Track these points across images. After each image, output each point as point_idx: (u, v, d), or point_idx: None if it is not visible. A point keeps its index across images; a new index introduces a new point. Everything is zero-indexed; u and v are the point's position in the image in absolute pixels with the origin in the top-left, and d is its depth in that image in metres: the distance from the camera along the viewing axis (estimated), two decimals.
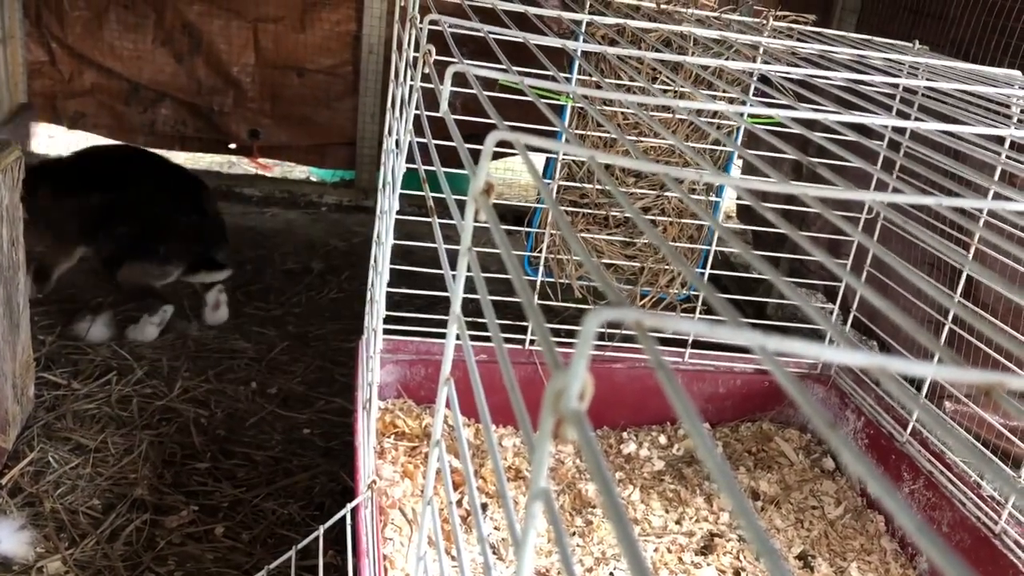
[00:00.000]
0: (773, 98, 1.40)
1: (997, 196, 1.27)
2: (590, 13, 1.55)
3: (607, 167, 1.83)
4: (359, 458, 1.53)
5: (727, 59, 1.48)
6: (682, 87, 1.44)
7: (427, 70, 1.16)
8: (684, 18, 1.67)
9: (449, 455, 1.81)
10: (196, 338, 2.35)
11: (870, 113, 1.24)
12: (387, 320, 1.56)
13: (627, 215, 1.78)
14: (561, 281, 1.90)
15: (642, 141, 1.76)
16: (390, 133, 1.68)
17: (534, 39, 1.18)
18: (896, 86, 1.46)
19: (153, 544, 1.65)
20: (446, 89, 0.86)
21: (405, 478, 1.71)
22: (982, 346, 1.82)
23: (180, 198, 2.40)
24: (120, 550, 1.62)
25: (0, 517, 1.62)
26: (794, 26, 1.75)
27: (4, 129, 2.78)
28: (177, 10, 3.32)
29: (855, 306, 2.05)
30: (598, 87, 1.82)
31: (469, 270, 0.67)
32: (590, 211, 1.84)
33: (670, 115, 1.73)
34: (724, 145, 1.83)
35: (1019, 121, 1.43)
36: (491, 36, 1.12)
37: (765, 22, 1.74)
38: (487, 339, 1.77)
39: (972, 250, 1.70)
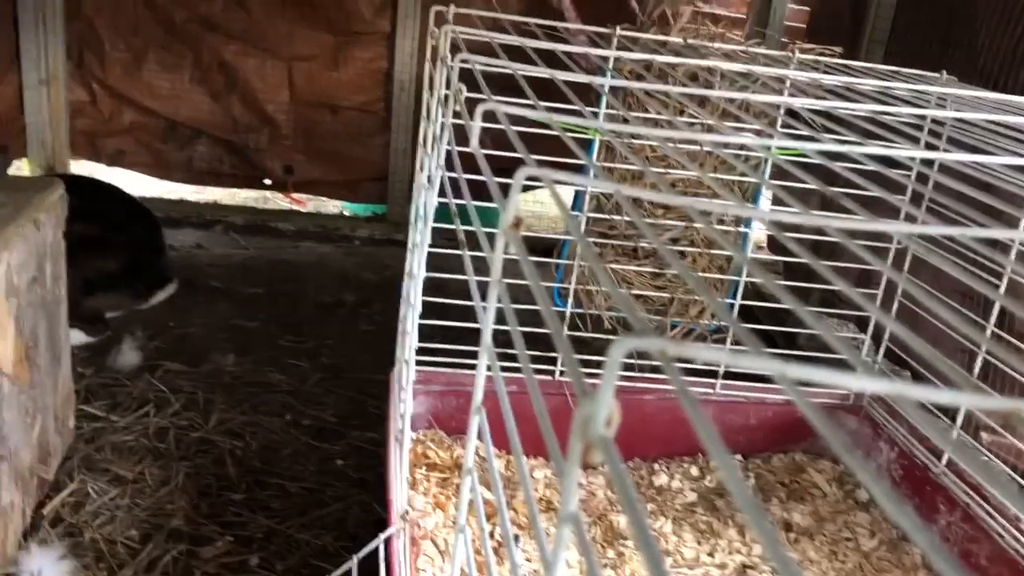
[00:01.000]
0: (800, 131, 1.42)
1: None
2: (617, 49, 1.57)
3: (636, 200, 1.85)
4: (391, 489, 1.54)
5: (753, 92, 1.50)
6: (708, 121, 1.46)
7: (458, 107, 1.19)
8: (710, 52, 1.69)
9: (480, 486, 1.82)
10: (231, 371, 2.39)
11: (897, 145, 1.25)
12: (419, 352, 1.59)
13: (656, 246, 1.79)
14: (591, 312, 1.92)
15: (670, 173, 1.78)
16: (421, 168, 1.72)
17: (562, 75, 1.21)
18: (923, 117, 1.47)
19: (190, 574, 1.67)
20: (476, 126, 0.89)
21: (437, 509, 1.72)
22: (1018, 376, 1.80)
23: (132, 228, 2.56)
24: None
25: (42, 547, 1.65)
26: (820, 58, 1.77)
27: None
28: (213, 50, 3.41)
29: (887, 336, 2.04)
30: (625, 122, 1.85)
31: (499, 302, 0.69)
32: (619, 242, 1.86)
33: (697, 148, 1.75)
34: (751, 178, 1.85)
35: None
36: (520, 74, 1.15)
37: (791, 55, 1.76)
38: (518, 370, 1.79)
39: (1005, 280, 1.69)
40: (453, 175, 1.35)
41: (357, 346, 2.63)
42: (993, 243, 1.45)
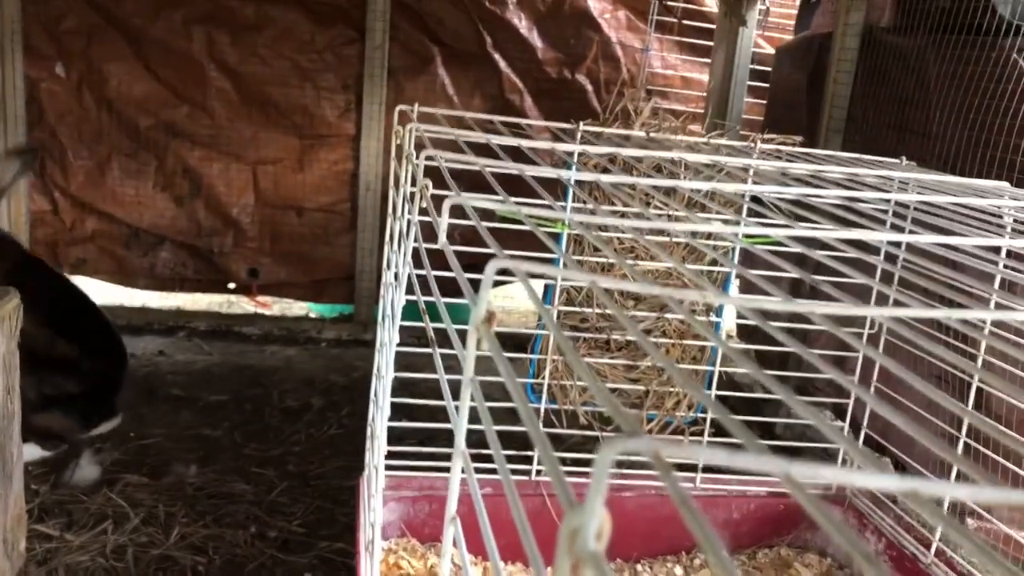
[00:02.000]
0: (767, 218, 1.42)
1: (1000, 306, 1.27)
2: (581, 143, 1.58)
3: (607, 291, 1.83)
4: None
5: (719, 182, 1.51)
6: (676, 211, 1.45)
7: (424, 204, 1.17)
8: (674, 144, 1.70)
9: None
10: (193, 482, 2.30)
11: (866, 228, 1.24)
12: (389, 456, 1.53)
13: (629, 338, 1.76)
14: (565, 408, 1.87)
15: (639, 264, 1.77)
16: (388, 267, 1.69)
17: (529, 170, 1.20)
18: (888, 201, 1.48)
19: None
20: (444, 221, 0.87)
21: None
22: (999, 458, 1.77)
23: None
24: None
25: None
26: (782, 148, 1.79)
27: None
28: (178, 156, 3.41)
29: (866, 423, 2.01)
30: (593, 213, 1.84)
31: (472, 401, 0.65)
32: (591, 335, 1.83)
33: (667, 238, 1.75)
34: (722, 265, 1.84)
35: (1013, 230, 1.43)
36: (487, 169, 1.14)
37: (753, 145, 1.78)
38: (493, 471, 1.73)
39: (979, 360, 1.68)
40: (421, 272, 1.32)
41: (325, 451, 2.55)
42: (967, 321, 1.44)
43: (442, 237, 0.88)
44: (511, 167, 1.18)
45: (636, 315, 1.80)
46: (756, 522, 2.01)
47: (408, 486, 1.88)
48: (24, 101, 3.27)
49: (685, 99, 3.73)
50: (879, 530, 1.90)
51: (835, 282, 1.07)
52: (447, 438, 1.83)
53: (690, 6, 3.66)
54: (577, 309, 1.83)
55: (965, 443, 1.76)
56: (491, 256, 0.73)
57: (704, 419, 1.88)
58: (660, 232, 1.62)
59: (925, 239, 1.09)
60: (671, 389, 1.88)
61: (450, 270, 0.88)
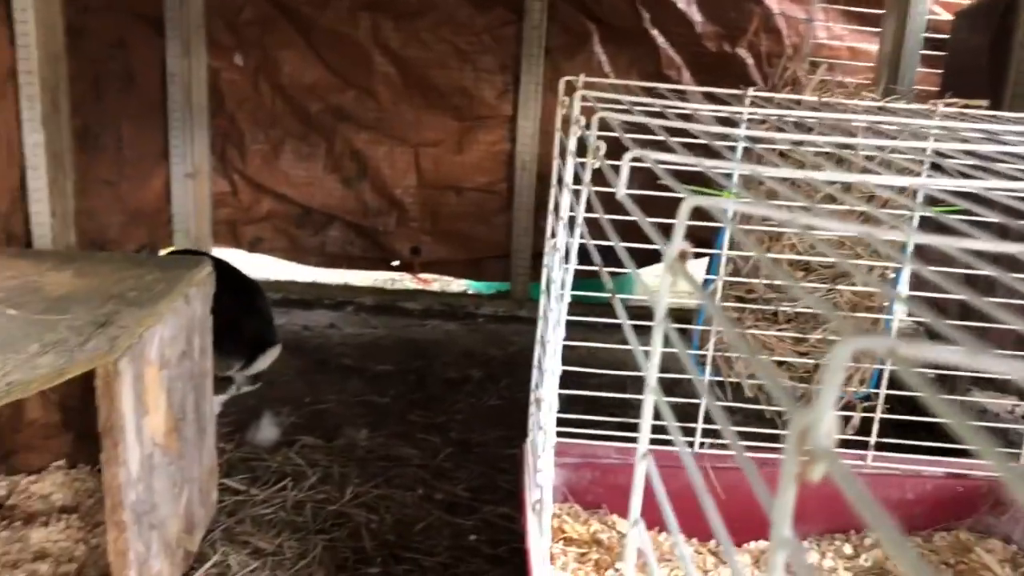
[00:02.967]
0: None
1: None
2: (751, 107, 1.55)
3: (776, 261, 1.79)
4: (531, 562, 1.50)
5: (902, 141, 1.45)
6: (851, 175, 1.41)
7: (596, 165, 1.19)
8: (848, 108, 1.64)
9: (620, 563, 1.75)
10: (364, 445, 2.41)
11: None
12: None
13: (798, 310, 1.72)
14: (730, 380, 1.85)
15: (813, 232, 1.71)
16: (553, 235, 1.72)
17: (700, 127, 1.19)
18: None
19: None
20: (624, 172, 0.88)
21: None
22: None
23: (239, 299, 2.67)
24: None
25: None
26: (967, 111, 1.70)
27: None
28: (346, 139, 3.56)
29: None
30: (760, 183, 1.81)
31: (667, 343, 0.66)
32: (758, 307, 1.80)
33: (841, 206, 1.69)
34: (901, 230, 1.76)
35: None
36: (659, 125, 1.14)
37: (934, 108, 1.69)
38: (659, 442, 1.73)
39: None
40: (588, 242, 1.34)
41: (485, 421, 2.61)
42: None
43: (622, 189, 0.89)
44: (684, 125, 1.18)
45: (806, 286, 1.75)
46: (932, 504, 1.93)
47: (571, 453, 1.91)
48: (207, 90, 3.50)
49: (852, 71, 3.57)
50: None
51: None
52: (607, 407, 1.85)
53: None
54: (743, 280, 1.80)
55: None
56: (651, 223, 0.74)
57: (876, 394, 1.82)
58: (833, 200, 1.57)
59: None
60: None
61: (613, 239, 0.89)
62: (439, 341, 3.27)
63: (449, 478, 2.28)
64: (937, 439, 1.96)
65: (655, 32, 3.49)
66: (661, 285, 0.65)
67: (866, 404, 1.82)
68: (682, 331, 2.19)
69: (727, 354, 1.81)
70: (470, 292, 3.89)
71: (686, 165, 0.97)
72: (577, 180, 1.50)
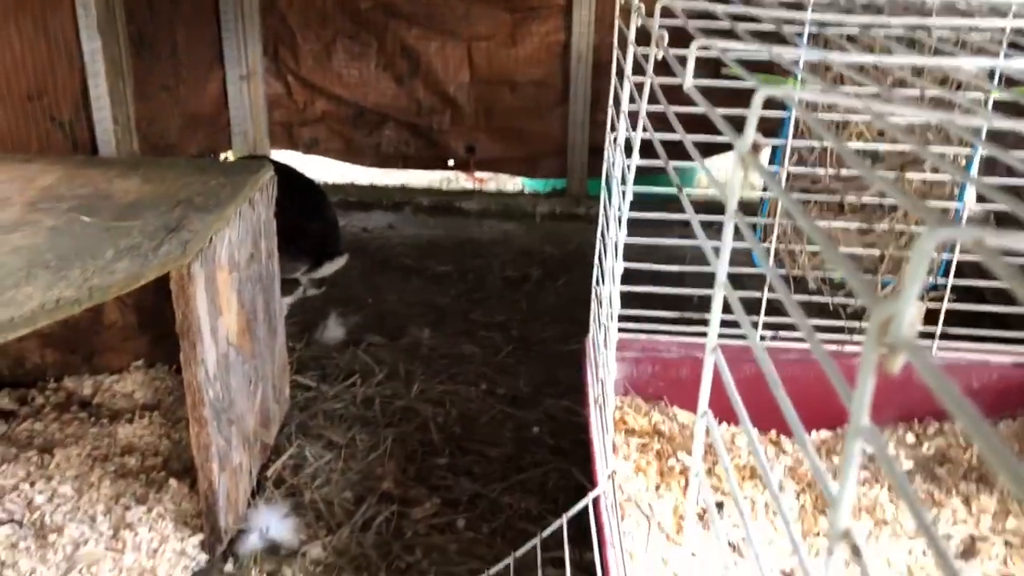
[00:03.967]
0: None
1: None
2: None
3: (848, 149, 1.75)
4: (595, 450, 1.54)
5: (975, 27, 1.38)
6: (922, 58, 1.35)
7: (660, 57, 1.16)
8: None
9: (681, 453, 1.79)
10: (427, 343, 2.46)
11: None
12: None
13: (864, 201, 1.69)
14: (794, 274, 1.84)
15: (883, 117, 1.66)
16: (613, 129, 1.70)
17: (767, 13, 1.15)
18: None
19: (401, 534, 1.73)
20: (691, 61, 0.86)
21: (639, 473, 1.70)
22: None
23: (305, 205, 2.71)
24: (372, 539, 1.72)
25: (268, 505, 1.76)
26: None
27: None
28: (397, 36, 3.51)
29: None
30: (827, 68, 1.75)
31: (737, 235, 0.66)
32: (823, 198, 1.77)
33: (913, 90, 1.63)
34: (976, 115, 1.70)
35: None
36: (727, 12, 1.11)
37: None
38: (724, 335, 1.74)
39: None
40: (645, 136, 1.32)
41: (545, 318, 2.64)
42: None
43: (688, 80, 0.88)
44: (749, 11, 1.14)
45: (882, 175, 1.71)
46: (998, 393, 1.91)
47: (632, 347, 1.93)
48: None
49: None
50: None
51: None
52: (665, 300, 1.85)
53: None
54: (807, 170, 1.76)
55: None
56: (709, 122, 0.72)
57: (944, 285, 1.79)
58: (905, 84, 1.52)
59: None
60: (908, 254, 1.79)
61: (679, 132, 0.88)
62: (496, 241, 3.29)
63: (511, 374, 2.33)
64: (1003, 327, 1.94)
65: None
66: (732, 178, 0.64)
67: (932, 295, 1.80)
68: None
69: (791, 246, 1.80)
70: (526, 191, 3.87)
71: (753, 53, 0.94)
72: (637, 70, 1.47)
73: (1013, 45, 1.37)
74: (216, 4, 3.42)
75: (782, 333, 1.92)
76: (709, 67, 1.77)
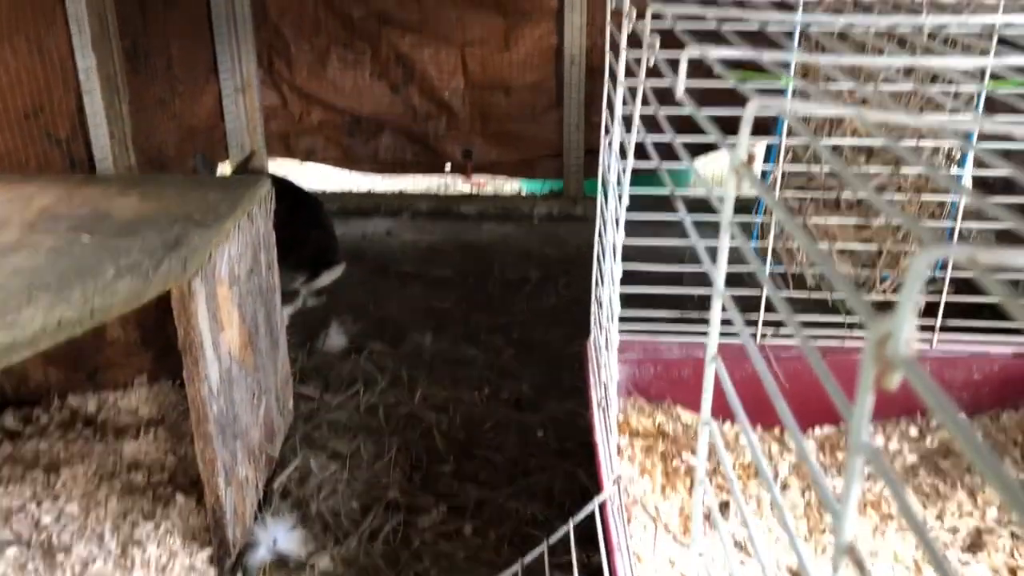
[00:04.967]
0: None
1: None
2: None
3: (835, 147, 1.75)
4: (600, 454, 1.55)
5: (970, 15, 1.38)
6: (911, 58, 1.36)
7: (652, 63, 1.16)
8: None
9: (686, 453, 1.79)
10: (430, 349, 2.47)
11: None
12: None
13: (860, 197, 1.69)
14: (792, 271, 1.84)
15: (871, 115, 1.66)
16: (607, 132, 1.70)
17: (757, 15, 1.15)
18: None
19: (408, 543, 1.74)
20: (682, 70, 0.86)
21: (644, 475, 1.71)
22: None
23: (301, 216, 2.73)
24: (380, 548, 1.72)
25: (275, 518, 1.76)
26: None
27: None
28: (391, 43, 3.52)
29: None
30: (815, 76, 1.75)
31: (733, 240, 0.66)
32: (819, 195, 1.77)
33: (899, 86, 1.64)
34: (964, 114, 1.71)
35: None
36: (714, 17, 1.11)
37: None
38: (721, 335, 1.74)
39: None
40: (637, 138, 1.32)
41: (546, 320, 2.65)
42: None
43: (681, 88, 0.88)
44: (739, 14, 1.14)
45: (868, 171, 1.72)
46: (999, 383, 1.92)
47: (633, 348, 1.93)
48: (250, 1, 3.46)
49: None
50: None
51: None
52: (664, 300, 1.86)
53: None
54: (803, 168, 1.77)
55: None
56: (707, 120, 0.72)
57: (943, 279, 1.79)
58: (893, 80, 1.52)
59: None
60: (906, 248, 1.79)
61: (667, 142, 0.88)
62: (495, 243, 3.30)
63: (514, 377, 2.33)
64: (1003, 319, 1.94)
65: None
66: (727, 187, 0.65)
67: (931, 288, 1.80)
68: (742, 223, 2.18)
69: (788, 245, 1.80)
70: (524, 193, 3.88)
71: (744, 56, 0.94)
72: (630, 73, 1.48)
73: (1003, 41, 1.37)
74: (209, 16, 3.43)
75: (783, 330, 1.92)
76: (703, 68, 1.77)
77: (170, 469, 1.89)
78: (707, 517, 1.66)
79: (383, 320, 2.65)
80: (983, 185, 2.57)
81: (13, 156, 2.32)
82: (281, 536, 1.72)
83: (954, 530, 1.63)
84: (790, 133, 1.73)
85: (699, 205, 1.12)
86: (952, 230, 1.76)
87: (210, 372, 1.54)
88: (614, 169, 1.58)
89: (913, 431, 1.89)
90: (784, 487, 1.75)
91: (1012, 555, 1.56)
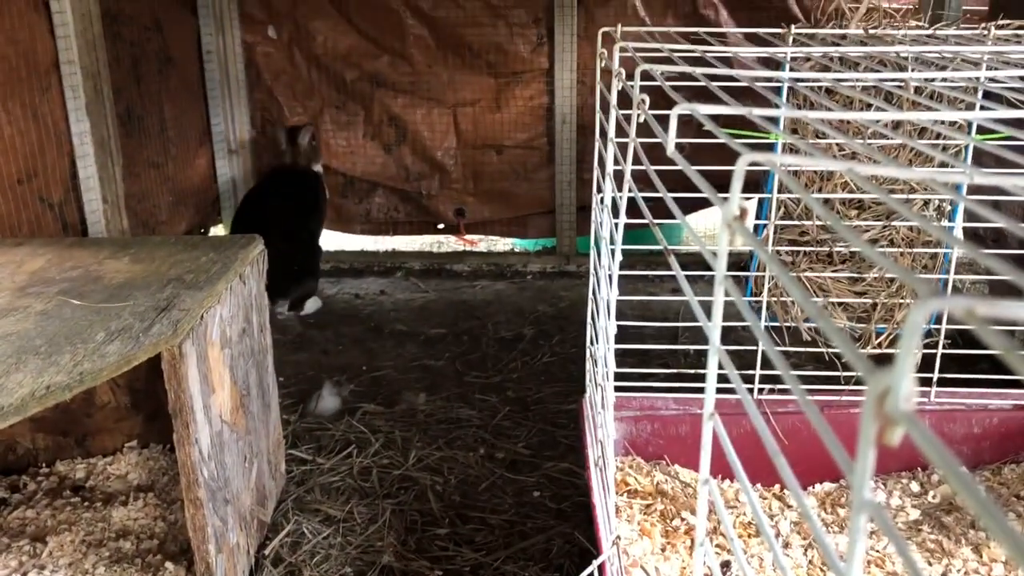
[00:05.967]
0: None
1: None
2: (794, 45, 1.51)
3: (826, 201, 1.76)
4: (598, 515, 1.52)
5: (953, 71, 1.40)
6: (900, 113, 1.37)
7: (642, 119, 1.17)
8: (896, 39, 1.59)
9: (685, 512, 1.76)
10: (423, 409, 2.44)
11: None
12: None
13: (853, 249, 1.69)
14: (786, 325, 1.83)
15: (861, 170, 1.68)
16: (600, 190, 1.71)
17: (747, 73, 1.17)
18: None
19: None
20: (672, 128, 0.86)
21: (643, 536, 1.68)
22: None
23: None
24: None
25: None
26: (1022, 32, 1.64)
27: None
28: (383, 105, 3.56)
29: None
30: (804, 126, 1.77)
31: (728, 296, 0.65)
32: (812, 249, 1.77)
33: (889, 140, 1.65)
34: (952, 167, 1.72)
35: None
36: (701, 72, 1.12)
37: (986, 32, 1.64)
38: (725, 391, 1.73)
39: None
40: (630, 194, 1.32)
41: (541, 377, 2.63)
42: None
43: (671, 145, 0.88)
44: (727, 72, 1.15)
45: (860, 224, 1.72)
46: (999, 437, 1.90)
47: (629, 406, 1.92)
48: (244, 65, 3.51)
49: None
50: None
51: None
52: (660, 360, 1.85)
53: None
54: (795, 222, 1.77)
55: None
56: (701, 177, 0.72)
57: (938, 330, 1.79)
58: (884, 136, 1.53)
59: None
60: (901, 301, 1.79)
61: (657, 193, 0.88)
62: (489, 301, 3.29)
63: (509, 436, 2.30)
64: (1001, 371, 1.93)
65: None
66: (720, 243, 0.64)
67: (927, 340, 1.80)
68: (735, 278, 2.18)
69: (783, 299, 1.80)
70: (517, 250, 3.89)
71: (733, 112, 0.95)
72: (620, 132, 1.49)
73: (988, 95, 1.39)
74: (203, 80, 3.47)
75: (781, 386, 1.91)
76: (693, 125, 1.78)
77: (160, 536, 1.85)
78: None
79: (377, 380, 2.63)
80: (974, 237, 2.58)
81: (6, 220, 2.32)
82: None
83: None
84: (781, 188, 1.74)
85: (694, 257, 1.12)
86: (945, 282, 1.76)
87: (201, 436, 1.52)
88: (607, 226, 1.58)
89: (915, 486, 1.86)
90: (786, 545, 1.71)
91: None
